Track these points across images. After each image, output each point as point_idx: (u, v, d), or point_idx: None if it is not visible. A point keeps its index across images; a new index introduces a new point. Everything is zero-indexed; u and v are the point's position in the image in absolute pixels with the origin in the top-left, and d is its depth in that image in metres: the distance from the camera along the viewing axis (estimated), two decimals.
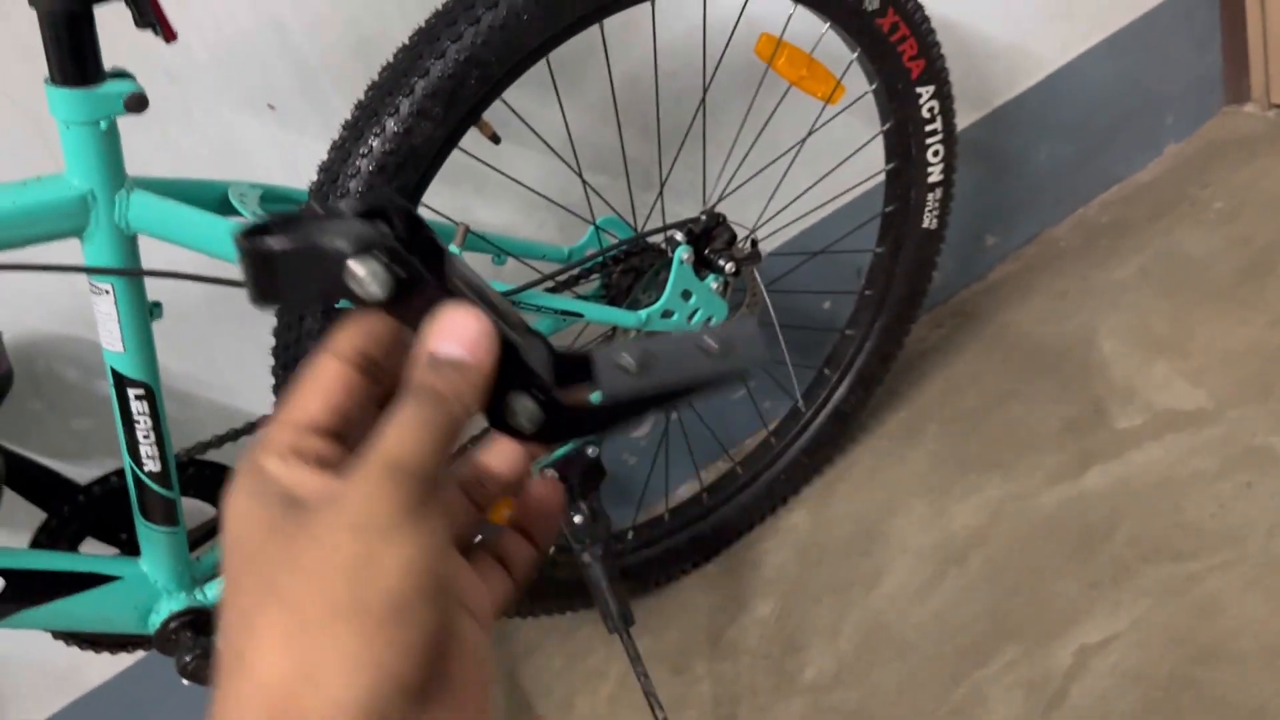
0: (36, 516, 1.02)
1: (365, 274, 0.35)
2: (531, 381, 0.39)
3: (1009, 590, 1.26)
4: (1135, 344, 1.50)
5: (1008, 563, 1.30)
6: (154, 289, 0.88)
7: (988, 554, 1.32)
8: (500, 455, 0.43)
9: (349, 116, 0.92)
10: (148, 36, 0.98)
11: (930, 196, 1.29)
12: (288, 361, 0.96)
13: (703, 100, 1.19)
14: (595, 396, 0.40)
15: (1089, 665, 1.16)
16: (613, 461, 1.26)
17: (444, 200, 1.16)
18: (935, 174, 1.28)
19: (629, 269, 1.15)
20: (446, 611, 0.34)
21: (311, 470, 0.36)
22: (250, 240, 0.36)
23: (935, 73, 1.19)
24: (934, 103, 1.21)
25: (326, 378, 0.37)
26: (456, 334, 0.37)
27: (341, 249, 0.35)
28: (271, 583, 0.33)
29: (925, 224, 1.31)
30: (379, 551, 0.32)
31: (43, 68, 0.98)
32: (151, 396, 0.89)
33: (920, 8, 1.14)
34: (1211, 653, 1.11)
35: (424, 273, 0.36)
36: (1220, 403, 1.36)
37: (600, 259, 1.10)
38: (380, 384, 0.39)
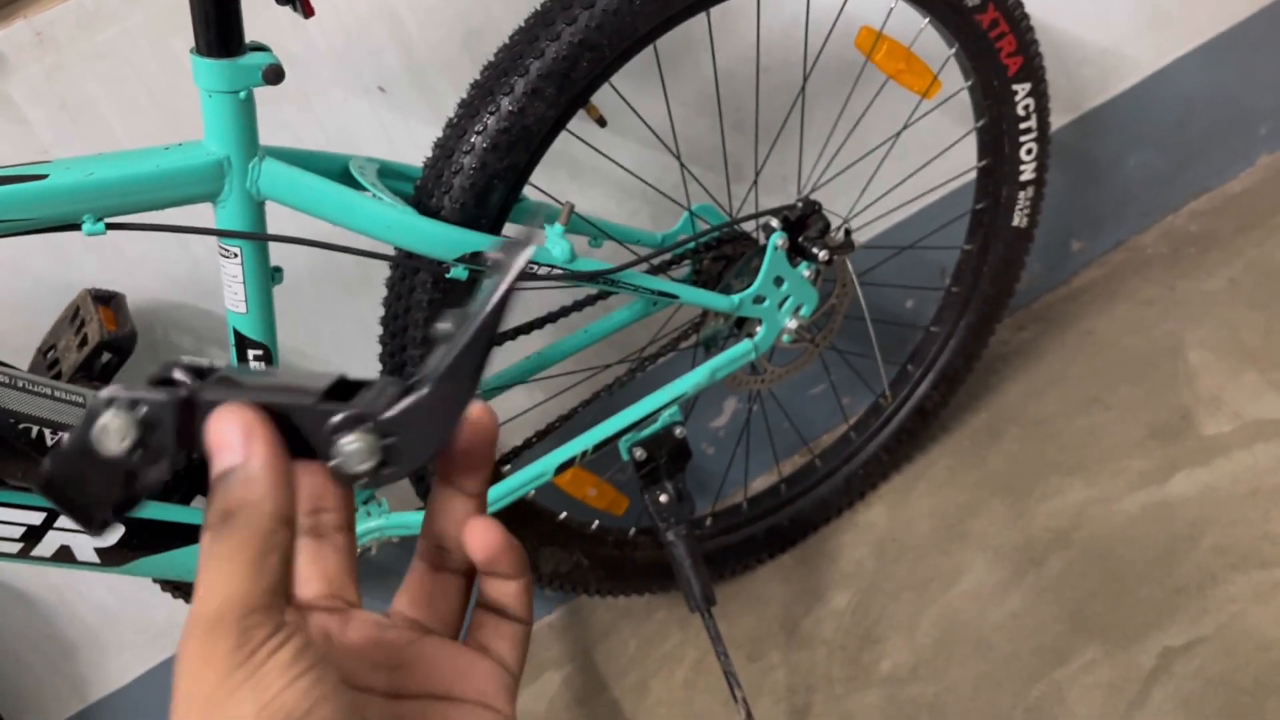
0: None
1: (107, 432, 0.33)
2: (349, 422, 0.34)
3: (1090, 592, 1.26)
4: (1224, 354, 1.49)
5: (1089, 566, 1.29)
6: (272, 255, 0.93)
7: (1068, 556, 1.31)
8: (446, 514, 0.40)
9: (465, 95, 0.96)
10: (270, 24, 1.03)
11: (1021, 195, 1.30)
12: (395, 330, 1.00)
13: (803, 88, 1.21)
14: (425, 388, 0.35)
15: (1172, 669, 1.15)
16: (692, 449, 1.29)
17: (541, 185, 1.20)
18: (1028, 172, 1.28)
19: (720, 256, 1.17)
20: None
21: None
22: (41, 483, 0.34)
23: (1032, 70, 1.19)
24: (1029, 100, 1.22)
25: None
26: (221, 441, 0.33)
27: (78, 429, 0.33)
28: None
29: (1015, 222, 1.32)
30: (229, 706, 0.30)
31: (171, 49, 1.04)
32: (269, 358, 0.94)
33: (1020, 4, 1.15)
34: None
35: (162, 397, 0.34)
36: None
37: (694, 243, 1.12)
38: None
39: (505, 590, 0.41)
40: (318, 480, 0.38)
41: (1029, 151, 1.27)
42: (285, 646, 0.31)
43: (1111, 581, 1.26)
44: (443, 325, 0.35)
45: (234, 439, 0.33)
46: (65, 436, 0.35)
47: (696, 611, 1.17)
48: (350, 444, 0.34)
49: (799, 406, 1.52)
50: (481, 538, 0.39)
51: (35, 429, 0.84)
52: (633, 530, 1.31)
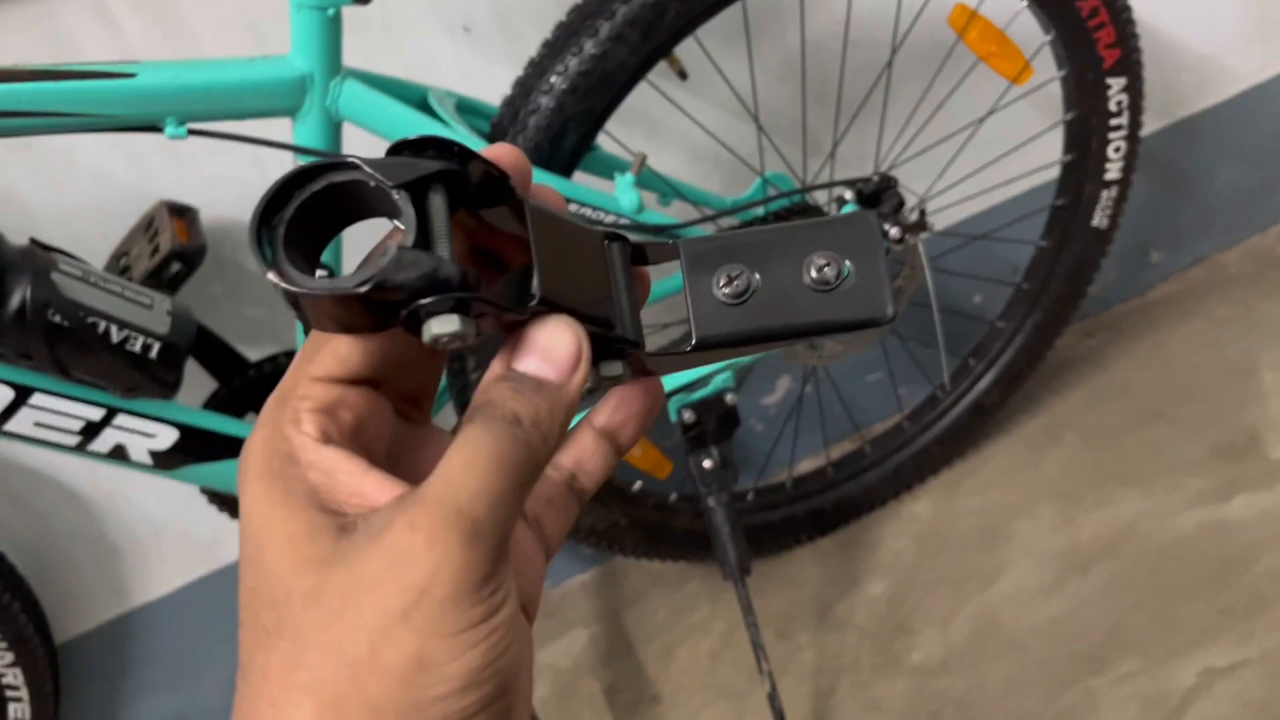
0: (206, 386, 1.09)
1: (444, 334, 0.29)
2: (622, 349, 0.34)
3: (1133, 605, 1.23)
4: None
5: (1135, 578, 1.26)
6: None
7: (1115, 567, 1.28)
8: None
9: (549, 36, 0.96)
10: None
11: (1105, 194, 1.26)
12: None
13: (890, 61, 1.19)
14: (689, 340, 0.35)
15: (1212, 688, 1.12)
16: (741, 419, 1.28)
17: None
18: (1113, 171, 1.25)
19: None
20: (509, 708, 0.29)
21: (350, 459, 0.29)
22: (294, 284, 0.28)
23: (1129, 64, 1.16)
24: (1123, 96, 1.18)
25: None
26: (544, 350, 0.30)
27: (408, 285, 0.28)
28: (299, 652, 0.27)
29: (1095, 222, 1.28)
30: (439, 655, 0.26)
31: None
32: (332, 277, 0.95)
33: None
34: None
35: (514, 314, 0.31)
36: None
37: (764, 209, 1.11)
38: None
39: (600, 460, 0.37)
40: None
41: (1117, 149, 1.23)
42: (509, 601, 0.28)
43: (1158, 597, 1.23)
44: (723, 286, 0.34)
45: (564, 359, 0.30)
46: (383, 269, 0.28)
47: (730, 580, 1.16)
48: (613, 368, 0.34)
49: (854, 392, 1.51)
50: (652, 390, 0.37)
51: (103, 325, 0.86)
52: (674, 496, 1.31)
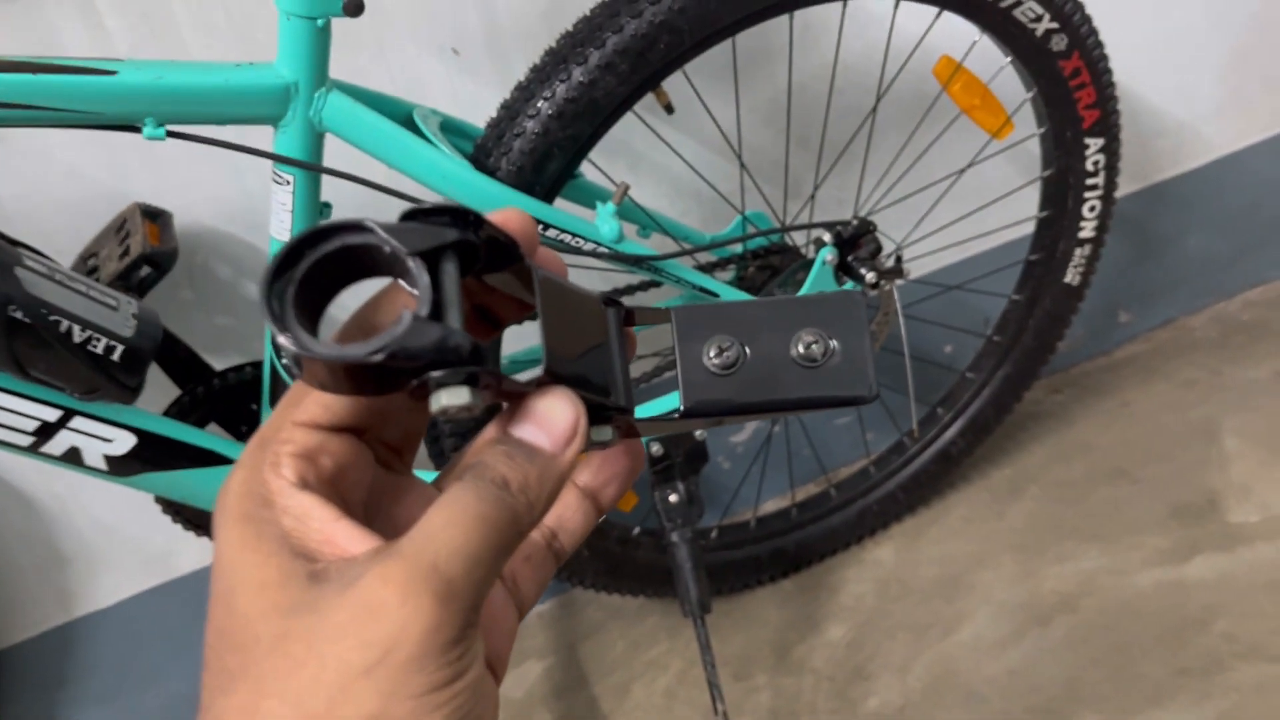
0: (169, 393, 1.07)
1: (454, 406, 0.29)
2: (610, 414, 0.35)
3: (1091, 660, 1.23)
4: (1261, 444, 1.46)
5: (1093, 634, 1.26)
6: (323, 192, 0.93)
7: (1074, 621, 1.28)
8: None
9: (537, 61, 0.96)
10: None
11: (1078, 251, 1.28)
12: None
13: (874, 108, 1.20)
14: (674, 400, 0.36)
15: None
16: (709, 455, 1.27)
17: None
18: (1088, 230, 1.26)
19: (766, 265, 1.16)
20: None
21: (324, 506, 0.29)
22: (307, 348, 0.28)
23: (1107, 125, 1.18)
24: (1100, 156, 1.20)
25: None
26: (541, 418, 0.31)
27: (422, 356, 0.28)
28: (257, 700, 0.26)
29: (1067, 279, 1.30)
30: (399, 717, 0.26)
31: None
32: None
33: (1105, 57, 1.13)
34: None
35: (517, 385, 0.31)
36: None
37: (743, 246, 1.11)
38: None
39: (580, 519, 0.38)
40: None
41: (1092, 209, 1.25)
42: (475, 665, 0.28)
43: (1115, 653, 1.23)
44: (713, 356, 0.36)
45: (561, 430, 0.31)
46: (394, 343, 0.28)
47: (689, 617, 1.15)
48: (602, 432, 0.35)
49: (822, 434, 1.51)
50: (632, 454, 0.37)
51: (66, 324, 0.85)
52: (637, 529, 1.30)
